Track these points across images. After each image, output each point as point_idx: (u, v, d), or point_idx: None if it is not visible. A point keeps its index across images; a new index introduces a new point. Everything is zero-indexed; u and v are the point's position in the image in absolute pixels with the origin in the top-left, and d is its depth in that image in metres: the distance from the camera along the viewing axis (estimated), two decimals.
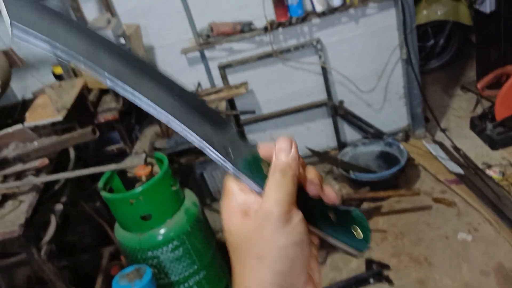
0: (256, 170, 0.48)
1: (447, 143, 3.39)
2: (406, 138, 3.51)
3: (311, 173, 0.50)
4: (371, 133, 3.42)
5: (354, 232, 0.51)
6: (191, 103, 0.50)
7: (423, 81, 3.46)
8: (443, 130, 3.50)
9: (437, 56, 4.28)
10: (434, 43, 4.18)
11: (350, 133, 3.57)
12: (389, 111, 3.48)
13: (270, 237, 0.45)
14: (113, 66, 0.45)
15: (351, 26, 3.11)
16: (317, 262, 0.51)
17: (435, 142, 3.46)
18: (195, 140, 0.47)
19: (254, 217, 0.46)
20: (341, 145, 3.54)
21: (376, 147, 3.31)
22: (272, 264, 0.46)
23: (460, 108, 3.83)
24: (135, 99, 0.45)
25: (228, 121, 0.51)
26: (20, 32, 0.42)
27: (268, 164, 0.48)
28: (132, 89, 0.45)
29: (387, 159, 3.24)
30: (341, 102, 3.40)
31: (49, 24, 0.43)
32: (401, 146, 3.15)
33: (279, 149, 0.48)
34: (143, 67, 0.48)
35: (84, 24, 0.46)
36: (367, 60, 3.24)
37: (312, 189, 0.50)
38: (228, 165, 0.47)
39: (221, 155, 0.47)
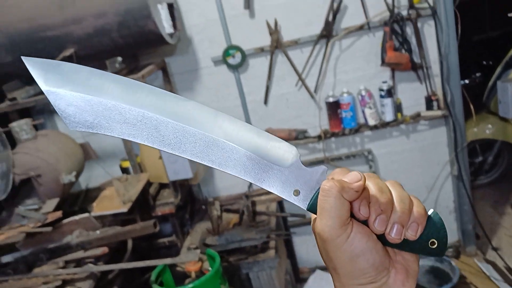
0: None
1: (500, 263, 3.27)
2: (457, 254, 3.41)
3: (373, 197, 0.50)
4: None
5: (431, 247, 0.51)
6: (256, 148, 0.54)
7: (472, 197, 3.44)
8: (495, 249, 3.39)
9: (486, 173, 4.27)
10: (483, 160, 4.20)
11: None
12: None
13: (333, 254, 0.50)
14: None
15: (402, 140, 3.22)
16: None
17: (488, 261, 3.34)
18: (268, 189, 0.54)
19: (317, 237, 0.51)
20: None
21: (426, 262, 3.22)
22: (345, 273, 0.50)
23: None
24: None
25: (291, 148, 0.54)
26: None
27: None
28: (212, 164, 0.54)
29: (437, 275, 3.14)
30: None
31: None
32: (453, 263, 3.07)
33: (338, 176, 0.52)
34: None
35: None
36: (417, 173, 3.30)
37: (359, 215, 0.50)
38: (299, 205, 0.54)
39: (292, 200, 0.53)
